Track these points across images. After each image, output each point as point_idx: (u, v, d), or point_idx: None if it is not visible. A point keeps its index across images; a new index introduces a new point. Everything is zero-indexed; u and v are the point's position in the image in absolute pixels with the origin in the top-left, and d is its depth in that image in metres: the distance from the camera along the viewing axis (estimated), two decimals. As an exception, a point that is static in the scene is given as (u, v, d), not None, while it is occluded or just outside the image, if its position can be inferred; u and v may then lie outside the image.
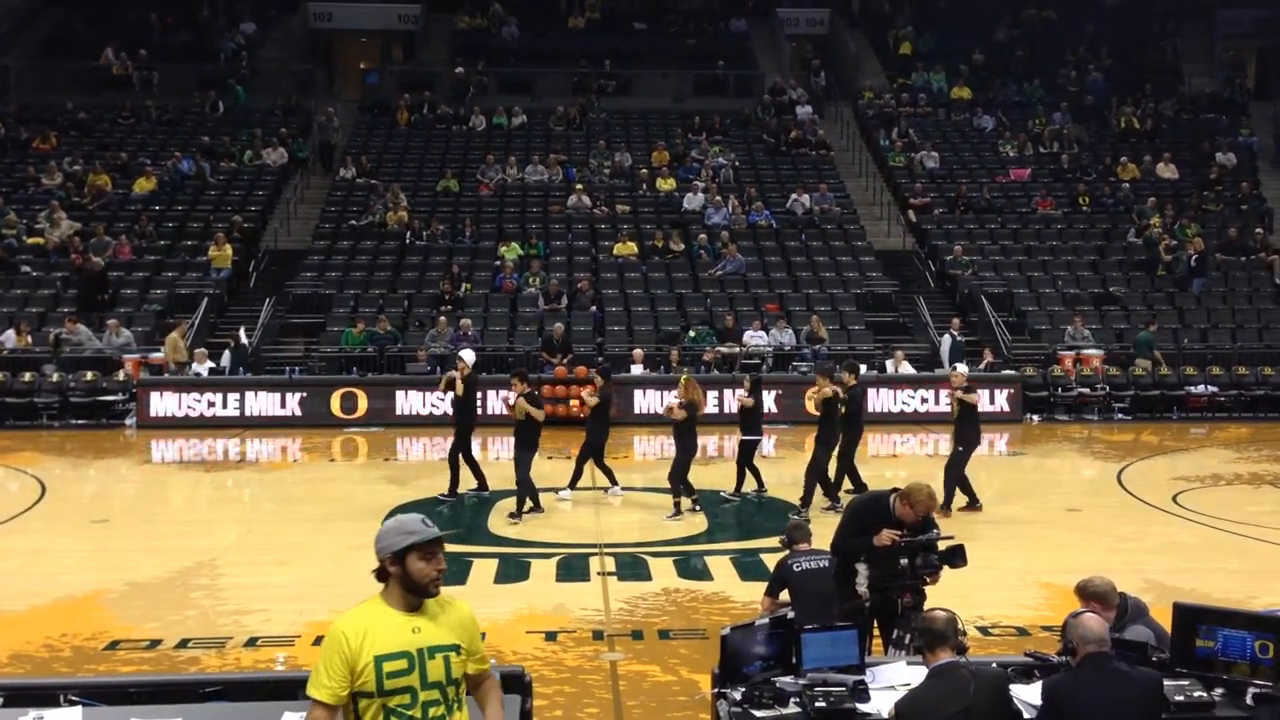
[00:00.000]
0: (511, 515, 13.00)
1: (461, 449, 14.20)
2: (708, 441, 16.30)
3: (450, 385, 14.31)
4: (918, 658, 6.04)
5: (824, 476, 13.33)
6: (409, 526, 3.91)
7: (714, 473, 15.44)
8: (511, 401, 13.43)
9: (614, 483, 14.37)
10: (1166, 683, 5.04)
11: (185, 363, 21.15)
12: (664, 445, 14.91)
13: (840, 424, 13.47)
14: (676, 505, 13.25)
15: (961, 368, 14.50)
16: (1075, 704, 4.78)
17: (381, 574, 3.94)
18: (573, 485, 14.22)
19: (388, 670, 3.82)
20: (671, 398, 14.50)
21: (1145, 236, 26.63)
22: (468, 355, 14.64)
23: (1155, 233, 26.57)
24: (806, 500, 13.20)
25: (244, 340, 21.93)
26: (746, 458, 14.28)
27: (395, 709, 3.84)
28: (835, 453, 13.45)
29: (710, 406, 19.94)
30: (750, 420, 14.23)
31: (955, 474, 13.39)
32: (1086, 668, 4.83)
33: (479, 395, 14.46)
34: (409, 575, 3.88)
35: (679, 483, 13.37)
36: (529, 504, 13.16)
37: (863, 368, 15.61)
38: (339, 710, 3.89)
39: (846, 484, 13.66)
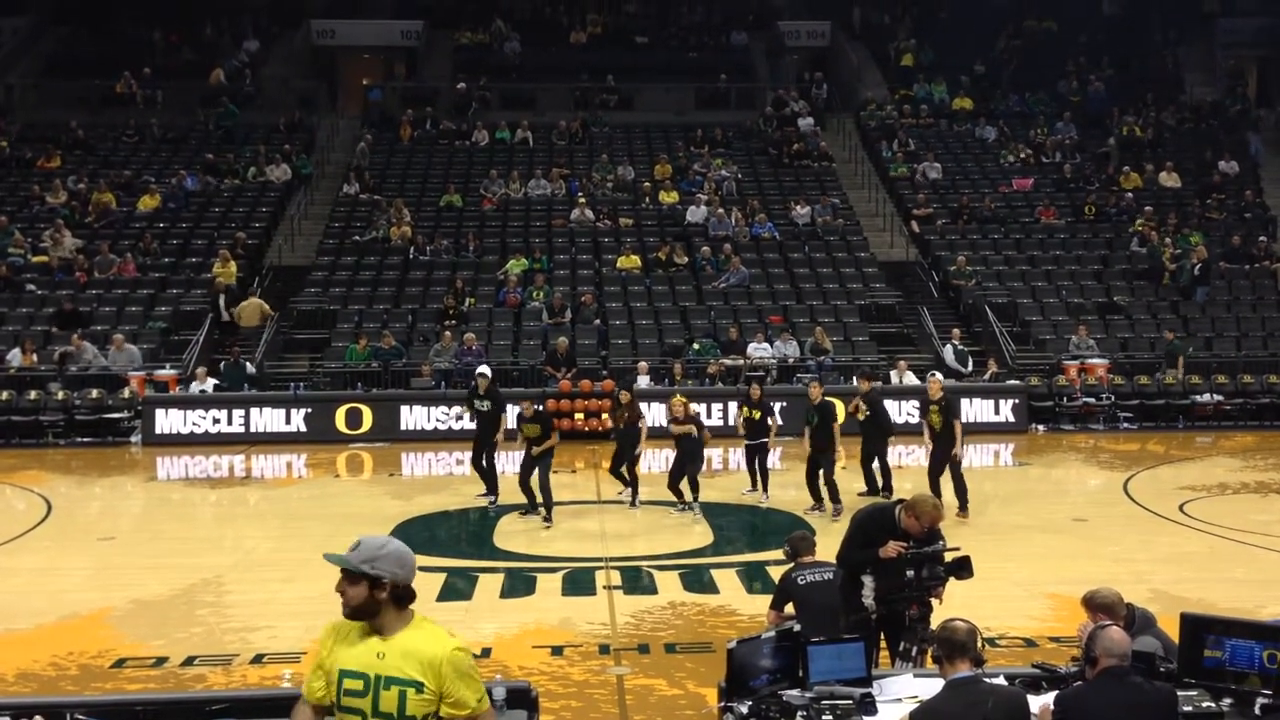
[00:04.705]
0: (545, 520, 13.48)
1: (485, 455, 14.74)
2: (712, 454, 16.31)
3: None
4: (925, 670, 6.03)
5: (824, 480, 13.88)
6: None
7: (720, 485, 15.44)
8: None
9: (635, 492, 14.66)
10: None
11: (259, 326, 22.33)
12: (667, 458, 14.90)
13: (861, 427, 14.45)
14: (684, 504, 14.06)
15: (939, 375, 14.91)
16: (1089, 717, 4.76)
17: None
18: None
19: (345, 687, 3.81)
20: (667, 418, 14.80)
21: (1148, 246, 26.59)
22: (487, 370, 15.44)
23: (1161, 243, 26.52)
24: (833, 500, 13.69)
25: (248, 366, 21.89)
26: (761, 459, 14.86)
27: None
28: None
29: (715, 419, 20.00)
30: (760, 427, 14.83)
31: (958, 473, 13.56)
32: (1103, 681, 4.78)
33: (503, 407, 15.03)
34: None
35: (679, 489, 14.08)
36: (527, 506, 13.80)
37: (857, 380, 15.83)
38: (324, 711, 3.91)
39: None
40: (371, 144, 30.86)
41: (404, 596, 3.86)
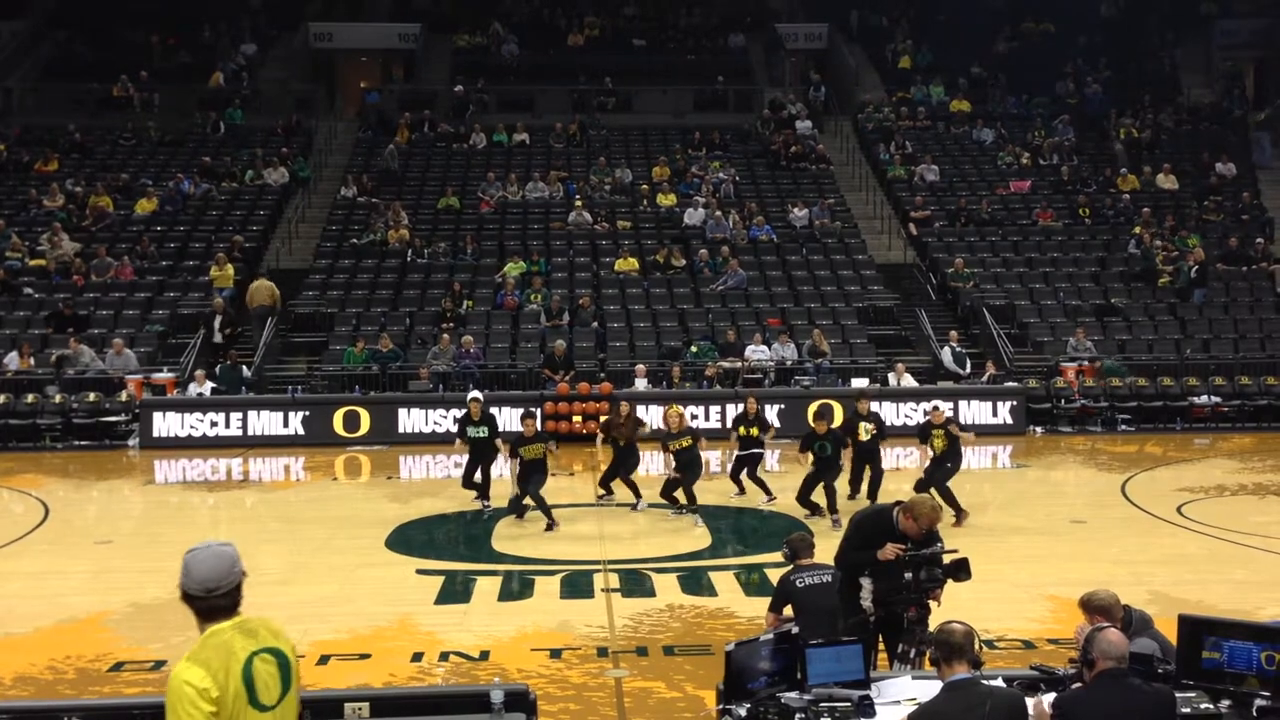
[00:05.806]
0: (547, 527, 13.36)
1: (482, 475, 14.62)
2: (710, 457, 16.31)
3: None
4: (923, 672, 6.03)
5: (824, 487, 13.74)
6: None
7: (717, 489, 15.43)
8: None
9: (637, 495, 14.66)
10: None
11: (269, 307, 22.88)
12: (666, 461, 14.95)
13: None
14: (680, 508, 14.01)
15: (942, 405, 14.73)
16: (1087, 719, 4.75)
17: None
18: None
19: None
20: (662, 432, 14.72)
21: (1142, 249, 26.60)
22: (479, 394, 15.53)
23: (1155, 245, 26.54)
24: (831, 510, 13.50)
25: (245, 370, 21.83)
26: (752, 469, 14.80)
27: None
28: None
29: (713, 422, 20.01)
30: (756, 440, 14.84)
31: (944, 484, 13.38)
32: (1101, 683, 4.78)
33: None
34: None
35: (673, 495, 14.06)
36: (514, 515, 13.82)
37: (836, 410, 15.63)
38: None
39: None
40: (370, 147, 30.90)
41: (195, 608, 3.83)
